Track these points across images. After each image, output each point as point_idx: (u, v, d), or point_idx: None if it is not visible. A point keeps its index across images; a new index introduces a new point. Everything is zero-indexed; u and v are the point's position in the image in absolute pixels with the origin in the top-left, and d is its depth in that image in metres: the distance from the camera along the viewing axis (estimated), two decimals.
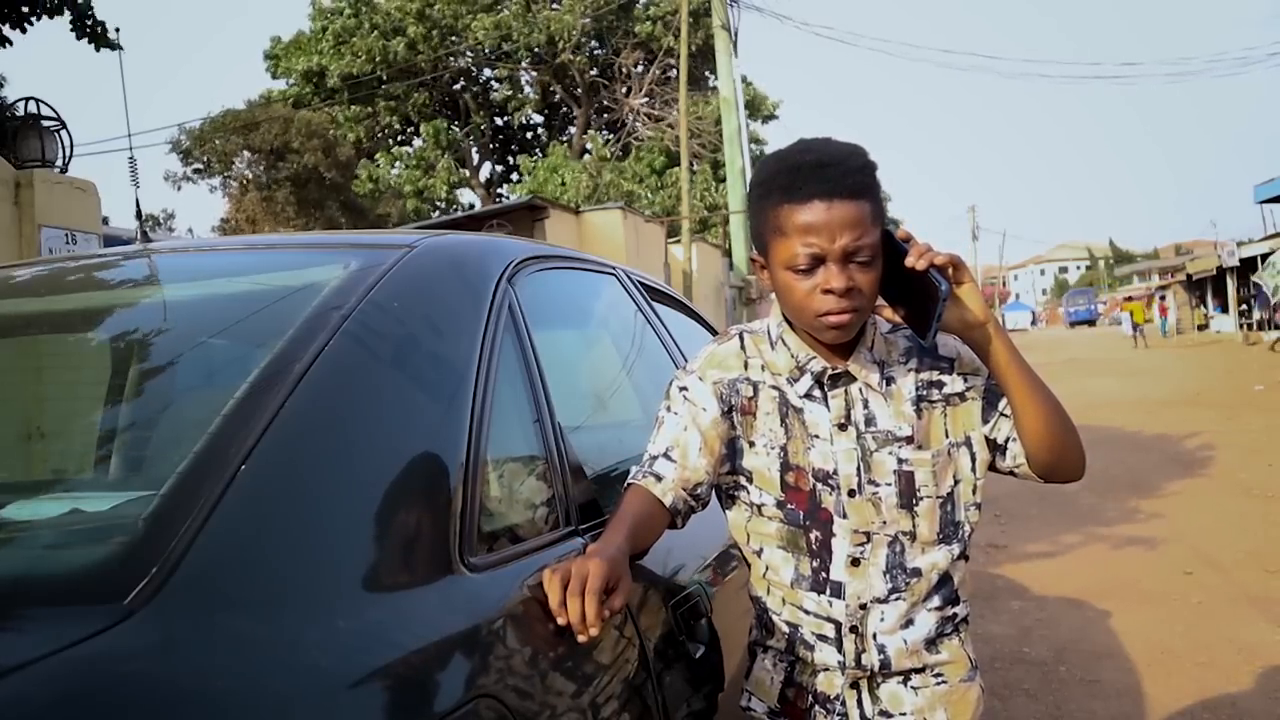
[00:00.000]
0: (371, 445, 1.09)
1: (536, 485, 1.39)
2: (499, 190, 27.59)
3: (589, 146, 24.85)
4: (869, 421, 1.40)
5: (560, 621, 1.12)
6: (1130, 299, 43.05)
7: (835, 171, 1.30)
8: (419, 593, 1.02)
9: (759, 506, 1.44)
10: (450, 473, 1.14)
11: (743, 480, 1.45)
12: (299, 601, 0.90)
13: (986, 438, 1.43)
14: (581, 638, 1.12)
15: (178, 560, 0.83)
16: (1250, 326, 24.85)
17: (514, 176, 27.34)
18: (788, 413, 1.42)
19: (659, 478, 1.40)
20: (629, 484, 1.42)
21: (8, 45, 7.44)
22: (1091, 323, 58.59)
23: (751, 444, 1.44)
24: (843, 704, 1.43)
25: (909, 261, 1.30)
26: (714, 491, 1.49)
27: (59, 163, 7.38)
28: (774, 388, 1.44)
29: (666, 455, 1.42)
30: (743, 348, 1.48)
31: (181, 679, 0.77)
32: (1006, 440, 1.42)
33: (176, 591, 0.81)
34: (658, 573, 1.50)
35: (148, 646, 0.77)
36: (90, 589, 0.83)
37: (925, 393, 1.42)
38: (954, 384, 1.43)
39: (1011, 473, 1.45)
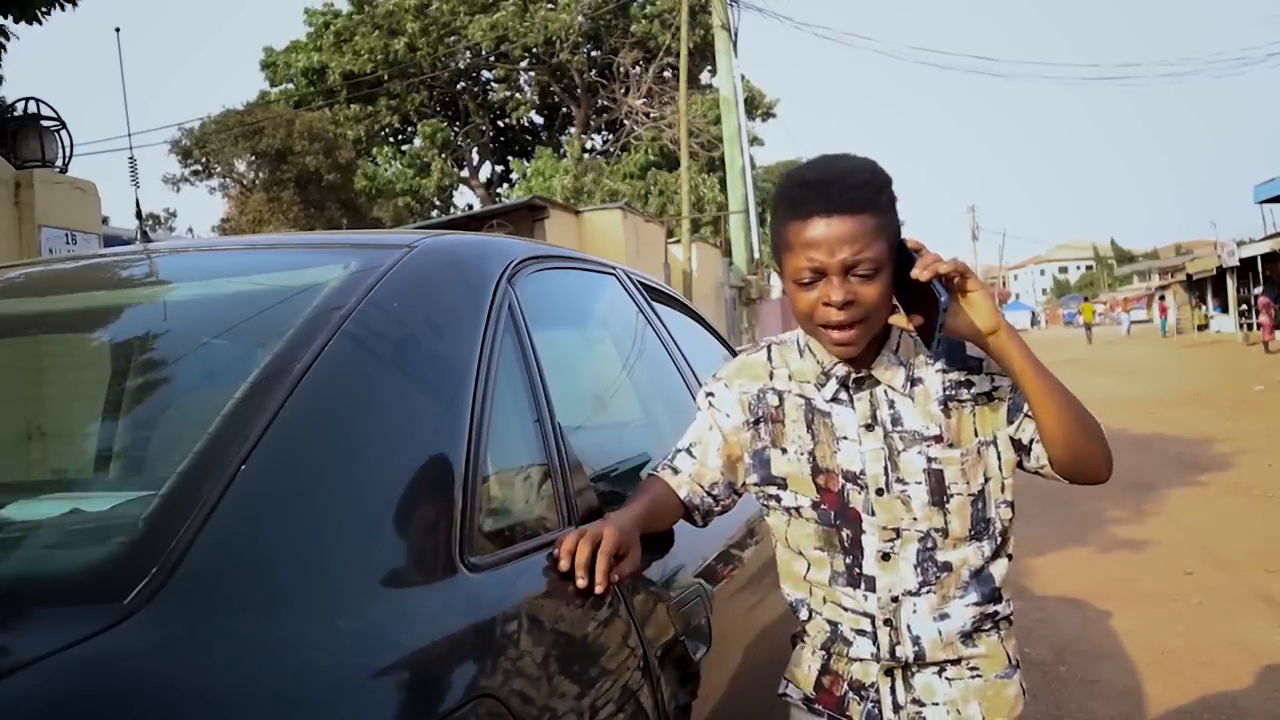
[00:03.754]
0: (372, 445, 1.09)
1: (536, 485, 1.39)
2: (498, 190, 27.59)
3: (585, 147, 24.87)
4: (895, 422, 1.43)
5: (564, 565, 1.21)
6: (1087, 300, 46.34)
7: (835, 188, 1.34)
8: (419, 593, 1.02)
9: (797, 509, 1.49)
10: (450, 472, 1.14)
11: (776, 488, 1.50)
12: (299, 601, 0.90)
13: (1011, 438, 1.45)
14: (582, 583, 1.19)
15: (178, 560, 0.83)
16: (1250, 327, 24.84)
17: (513, 177, 27.36)
18: (814, 418, 1.47)
19: (676, 470, 1.49)
20: (649, 474, 1.50)
21: (13, 38, 7.40)
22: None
23: (784, 450, 1.48)
24: (876, 691, 1.46)
25: (914, 273, 1.32)
26: (745, 498, 1.55)
27: (59, 163, 7.37)
28: (800, 395, 1.48)
29: (688, 451, 1.51)
30: (769, 358, 1.53)
31: (181, 679, 0.77)
32: (1031, 441, 1.43)
33: (176, 591, 0.81)
34: (658, 573, 1.50)
35: (148, 646, 0.77)
36: (90, 589, 0.83)
37: (954, 392, 1.44)
38: (982, 384, 1.45)
39: (1037, 473, 1.47)
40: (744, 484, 1.53)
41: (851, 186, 1.34)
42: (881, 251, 1.34)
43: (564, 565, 1.21)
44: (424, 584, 1.03)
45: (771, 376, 1.51)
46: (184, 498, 0.90)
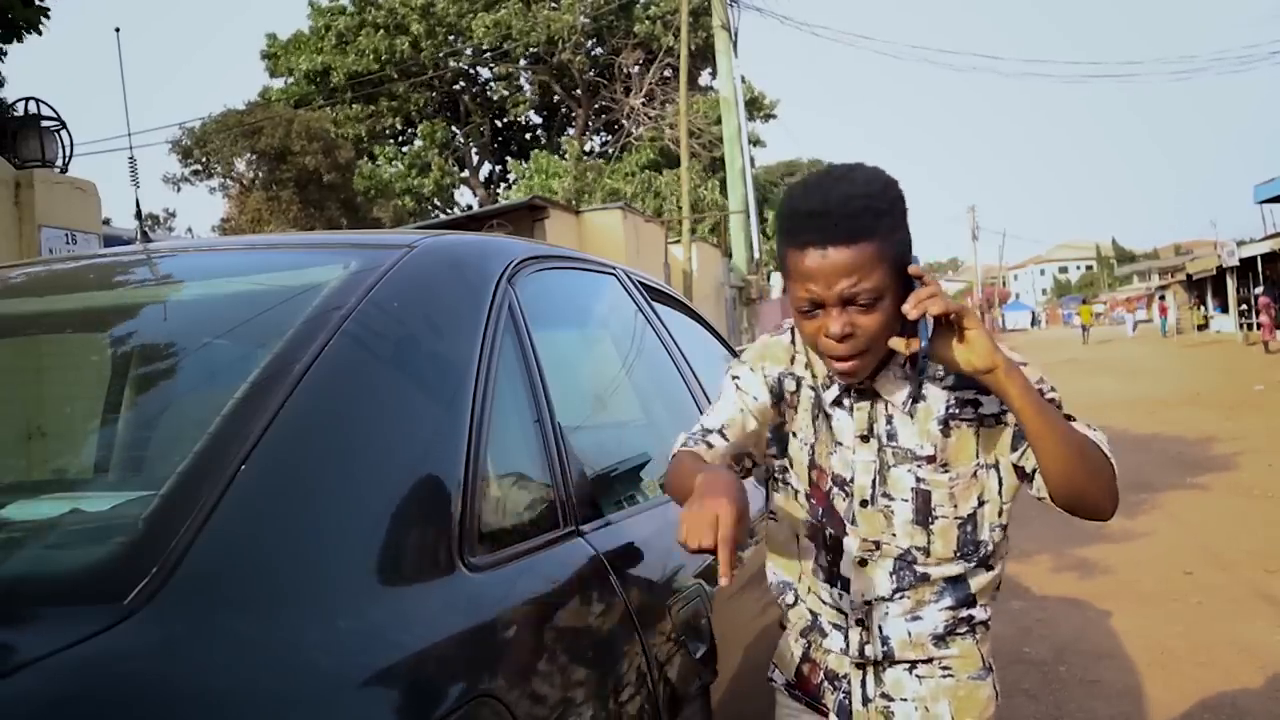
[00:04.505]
0: (372, 445, 1.09)
1: (536, 485, 1.39)
2: (498, 190, 27.59)
3: (584, 148, 24.87)
4: (891, 437, 1.43)
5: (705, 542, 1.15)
6: (1085, 302, 48.13)
7: (831, 220, 1.29)
8: (419, 592, 1.02)
9: (797, 493, 1.51)
10: (450, 472, 1.14)
11: (789, 464, 1.52)
12: (299, 601, 0.90)
13: (1015, 465, 1.42)
14: (725, 579, 1.15)
15: (178, 560, 0.83)
16: (1250, 327, 24.85)
17: (511, 177, 27.36)
18: (819, 415, 1.47)
19: (710, 446, 1.45)
20: (680, 450, 1.45)
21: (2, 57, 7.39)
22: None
23: (794, 435, 1.50)
24: (848, 683, 1.49)
25: (904, 309, 1.28)
26: (762, 475, 1.58)
27: (59, 163, 7.37)
28: (811, 388, 1.49)
29: (721, 432, 1.46)
30: (793, 342, 1.53)
31: (181, 679, 0.77)
32: (1034, 471, 1.40)
33: (176, 591, 0.81)
34: (658, 573, 1.50)
35: (148, 646, 0.77)
36: (90, 589, 0.83)
37: (958, 411, 1.41)
38: (990, 405, 1.40)
39: (1039, 500, 1.44)
40: (764, 455, 1.55)
41: (848, 215, 1.28)
42: (881, 280, 1.29)
43: (704, 542, 1.15)
44: (424, 584, 1.03)
45: (793, 361, 1.51)
46: (184, 498, 0.90)
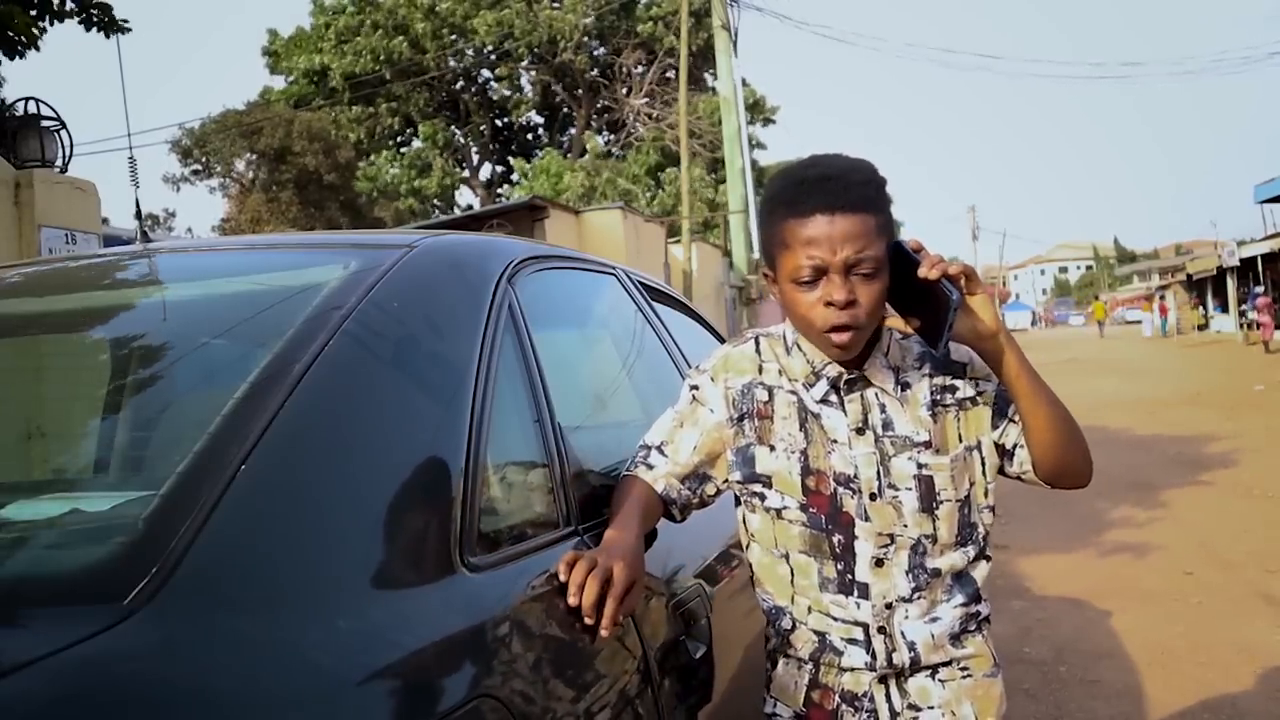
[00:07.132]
0: (371, 445, 1.09)
1: (536, 485, 1.39)
2: (499, 190, 27.59)
3: (587, 146, 24.87)
4: (886, 426, 1.42)
5: (572, 601, 1.18)
6: (1098, 298, 49.57)
7: (837, 185, 1.32)
8: (419, 593, 1.02)
9: (780, 511, 1.45)
10: (450, 473, 1.14)
11: (761, 486, 1.46)
12: (299, 601, 0.90)
13: (995, 443, 1.45)
14: (589, 622, 1.17)
15: (178, 560, 0.83)
16: (1250, 327, 24.85)
17: (514, 177, 27.36)
18: (806, 417, 1.44)
19: (650, 467, 1.48)
20: (623, 475, 1.49)
21: (21, 56, 7.39)
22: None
23: (772, 448, 1.45)
24: (871, 700, 1.43)
25: (921, 272, 1.32)
26: (732, 498, 1.53)
27: (59, 163, 7.37)
28: (791, 392, 1.45)
29: (660, 449, 1.49)
30: (758, 351, 1.50)
31: (181, 679, 0.77)
32: (1014, 446, 1.44)
33: (176, 591, 0.81)
34: (658, 573, 1.50)
35: (148, 646, 0.77)
36: (90, 589, 0.83)
37: (939, 397, 1.44)
38: (966, 389, 1.45)
39: (1019, 478, 1.47)
40: (726, 480, 1.50)
41: (854, 184, 1.33)
42: (882, 251, 1.33)
43: (572, 601, 1.18)
44: (424, 584, 1.03)
45: (760, 370, 1.47)
46: (184, 498, 0.90)
